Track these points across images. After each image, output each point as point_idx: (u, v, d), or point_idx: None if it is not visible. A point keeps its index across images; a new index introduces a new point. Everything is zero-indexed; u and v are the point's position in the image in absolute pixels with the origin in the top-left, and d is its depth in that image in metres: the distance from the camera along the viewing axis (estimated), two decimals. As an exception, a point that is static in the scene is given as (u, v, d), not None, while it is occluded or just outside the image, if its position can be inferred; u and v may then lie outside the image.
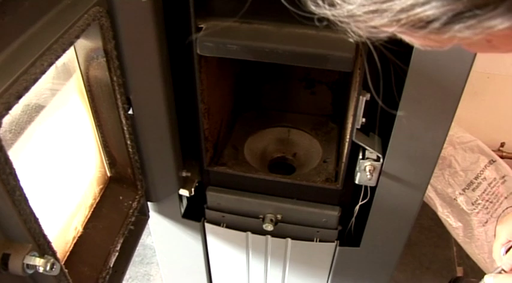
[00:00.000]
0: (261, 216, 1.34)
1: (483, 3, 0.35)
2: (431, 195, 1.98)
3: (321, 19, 0.43)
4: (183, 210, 1.43)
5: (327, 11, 0.41)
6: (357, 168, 1.15)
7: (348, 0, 0.39)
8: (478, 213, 2.00)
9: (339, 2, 0.39)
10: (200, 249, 1.53)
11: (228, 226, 1.40)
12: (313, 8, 0.42)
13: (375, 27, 0.40)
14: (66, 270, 0.80)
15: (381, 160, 1.12)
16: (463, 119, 1.87)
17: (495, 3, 0.34)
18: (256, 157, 1.43)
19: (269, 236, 1.39)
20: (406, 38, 0.43)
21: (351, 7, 0.39)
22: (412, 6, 0.36)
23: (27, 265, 0.68)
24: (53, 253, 0.76)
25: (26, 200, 0.67)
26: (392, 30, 0.39)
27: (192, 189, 1.31)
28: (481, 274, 1.86)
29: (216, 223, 1.41)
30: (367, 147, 1.12)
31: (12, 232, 0.68)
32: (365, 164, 1.13)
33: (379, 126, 1.13)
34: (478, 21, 0.36)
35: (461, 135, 2.07)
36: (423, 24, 0.37)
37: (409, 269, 2.15)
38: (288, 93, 1.53)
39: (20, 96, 0.63)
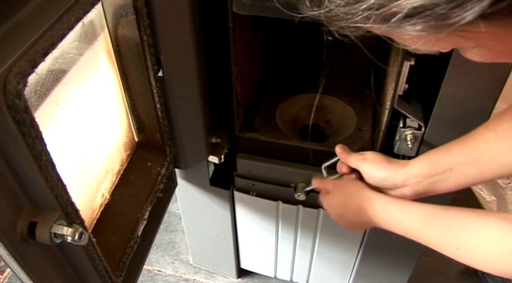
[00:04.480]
0: (293, 185, 1.29)
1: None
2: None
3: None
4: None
5: (315, 11, 0.48)
6: (397, 137, 1.09)
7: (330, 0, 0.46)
8: (513, 186, 1.95)
9: (324, 2, 0.46)
10: (228, 218, 1.50)
11: (258, 195, 1.36)
12: (304, 9, 0.49)
13: (354, 24, 0.46)
14: (94, 239, 0.77)
15: (423, 129, 1.06)
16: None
17: None
18: (288, 123, 1.37)
19: (300, 206, 1.34)
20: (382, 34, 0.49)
21: (331, 6, 0.46)
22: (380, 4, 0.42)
23: (55, 234, 0.64)
24: (81, 222, 0.72)
25: (53, 165, 0.63)
26: (366, 26, 0.46)
27: (222, 156, 1.26)
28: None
29: (246, 191, 1.37)
30: (408, 115, 1.05)
31: (39, 199, 0.64)
32: (406, 133, 1.07)
33: (421, 93, 1.07)
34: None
35: (498, 105, 1.99)
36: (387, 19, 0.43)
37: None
38: (322, 58, 1.46)
39: (46, 53, 0.58)
